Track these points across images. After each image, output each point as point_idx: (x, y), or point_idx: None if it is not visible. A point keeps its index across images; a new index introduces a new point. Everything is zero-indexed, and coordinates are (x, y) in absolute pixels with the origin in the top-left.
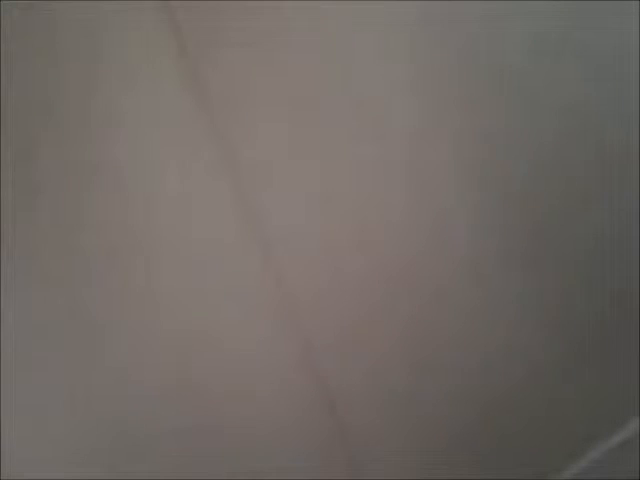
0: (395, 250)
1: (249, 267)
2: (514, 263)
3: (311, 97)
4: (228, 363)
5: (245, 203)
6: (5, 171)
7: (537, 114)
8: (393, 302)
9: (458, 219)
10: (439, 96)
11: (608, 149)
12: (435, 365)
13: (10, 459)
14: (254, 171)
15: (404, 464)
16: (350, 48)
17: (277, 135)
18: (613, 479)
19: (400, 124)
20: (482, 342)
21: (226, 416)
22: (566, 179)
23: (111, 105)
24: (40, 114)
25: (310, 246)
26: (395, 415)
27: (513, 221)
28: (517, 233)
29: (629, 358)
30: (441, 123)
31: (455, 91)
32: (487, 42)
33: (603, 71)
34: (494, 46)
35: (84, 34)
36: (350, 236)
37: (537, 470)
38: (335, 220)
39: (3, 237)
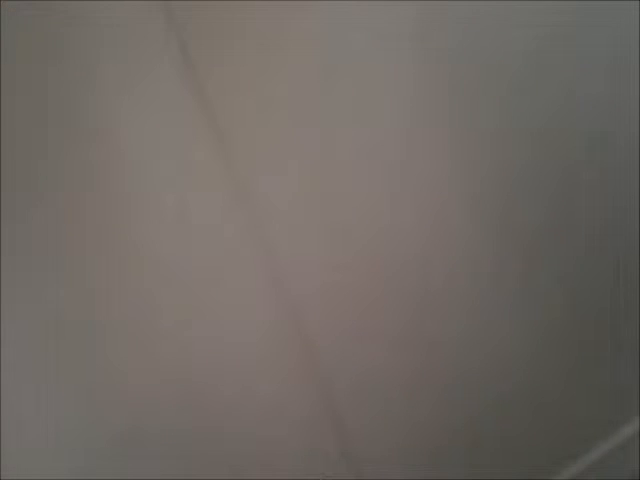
0: (395, 250)
1: (249, 267)
2: (512, 262)
3: (311, 97)
4: (228, 363)
5: (245, 204)
6: (4, 168)
7: (535, 112)
8: (393, 301)
9: (456, 219)
10: (437, 95)
11: (608, 147)
12: (435, 365)
13: (10, 459)
14: (254, 170)
15: (404, 464)
16: (350, 48)
17: (277, 135)
18: (613, 479)
19: (399, 124)
20: (481, 342)
21: (225, 416)
22: (564, 177)
23: (110, 105)
24: (39, 115)
25: (310, 246)
26: (395, 415)
27: (512, 220)
28: (516, 232)
29: (629, 358)
30: (439, 123)
31: (453, 90)
32: (485, 41)
33: (602, 69)
34: (492, 45)
35: (84, 34)
36: (350, 237)
37: (537, 470)
38: (335, 220)
39: (2, 236)
